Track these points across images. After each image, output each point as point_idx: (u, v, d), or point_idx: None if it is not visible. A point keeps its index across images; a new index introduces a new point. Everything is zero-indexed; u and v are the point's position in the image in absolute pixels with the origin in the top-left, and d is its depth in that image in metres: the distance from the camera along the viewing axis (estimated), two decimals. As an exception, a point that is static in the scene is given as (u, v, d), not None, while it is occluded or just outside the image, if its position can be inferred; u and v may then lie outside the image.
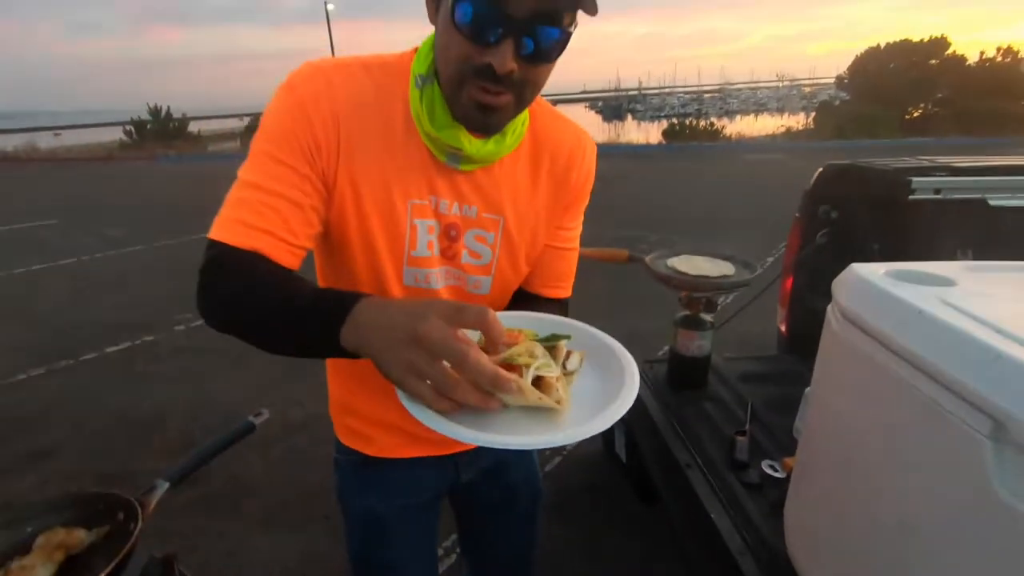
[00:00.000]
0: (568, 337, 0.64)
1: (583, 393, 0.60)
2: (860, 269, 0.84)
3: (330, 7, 22.04)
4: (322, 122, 0.69)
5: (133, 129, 21.82)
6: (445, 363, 0.51)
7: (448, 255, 0.80)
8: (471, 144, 0.72)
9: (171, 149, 19.29)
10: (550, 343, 0.61)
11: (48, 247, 6.67)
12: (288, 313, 0.62)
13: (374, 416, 0.91)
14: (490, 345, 0.55)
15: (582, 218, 0.91)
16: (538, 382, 0.56)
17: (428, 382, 0.52)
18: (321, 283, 0.85)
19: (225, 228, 0.67)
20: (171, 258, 6.16)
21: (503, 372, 0.51)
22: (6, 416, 2.99)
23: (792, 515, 1.04)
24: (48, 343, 3.93)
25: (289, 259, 0.69)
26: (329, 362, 0.94)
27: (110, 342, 3.90)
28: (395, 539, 0.98)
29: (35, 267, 5.87)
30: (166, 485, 0.85)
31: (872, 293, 0.79)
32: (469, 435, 0.51)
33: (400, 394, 0.56)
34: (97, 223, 8.00)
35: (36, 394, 3.21)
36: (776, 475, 1.29)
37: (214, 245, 0.67)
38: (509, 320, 0.70)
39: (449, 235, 0.79)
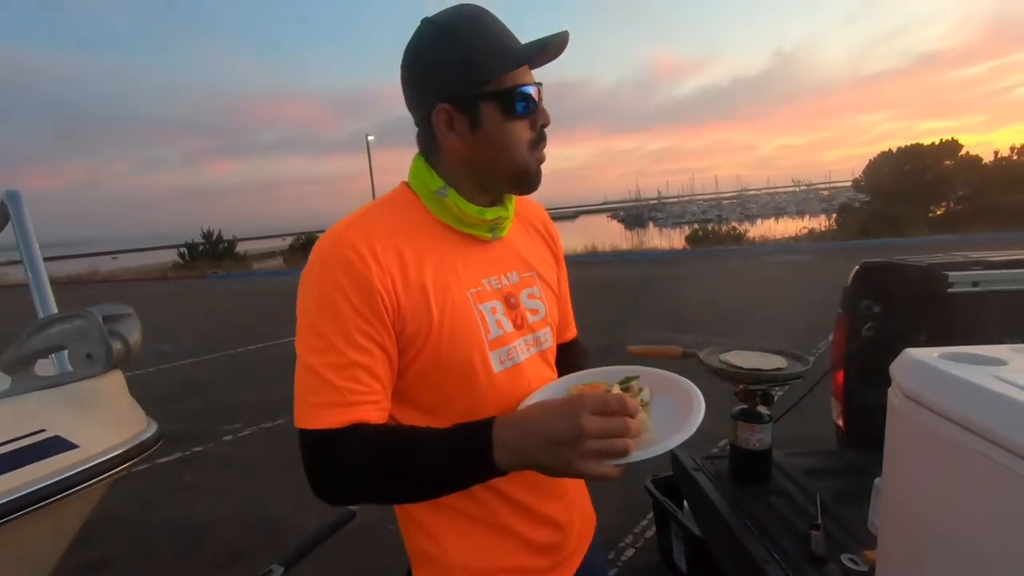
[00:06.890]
0: (636, 377, 0.78)
1: (666, 412, 0.73)
2: (915, 353, 0.91)
3: (370, 139, 24.18)
4: (379, 271, 0.72)
5: (186, 251, 23.53)
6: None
7: (518, 324, 0.85)
8: (506, 209, 0.85)
9: (220, 268, 20.55)
10: (624, 384, 0.76)
11: (106, 362, 7.00)
12: (430, 463, 0.67)
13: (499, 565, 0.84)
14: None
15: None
16: None
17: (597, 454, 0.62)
18: (395, 401, 0.80)
19: (314, 415, 0.69)
20: (218, 370, 6.39)
21: (640, 417, 0.66)
22: (63, 528, 3.04)
23: (883, 609, 1.01)
24: (104, 455, 4.04)
25: (381, 415, 0.73)
26: (438, 525, 0.83)
27: (161, 453, 3.99)
28: None
29: (93, 381, 6.13)
30: (281, 569, 0.91)
31: (931, 374, 0.85)
32: (646, 453, 0.65)
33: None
34: (151, 338, 8.37)
35: (92, 505, 3.27)
36: (857, 568, 1.26)
37: (311, 434, 0.69)
38: (584, 378, 0.85)
39: (510, 303, 0.84)
